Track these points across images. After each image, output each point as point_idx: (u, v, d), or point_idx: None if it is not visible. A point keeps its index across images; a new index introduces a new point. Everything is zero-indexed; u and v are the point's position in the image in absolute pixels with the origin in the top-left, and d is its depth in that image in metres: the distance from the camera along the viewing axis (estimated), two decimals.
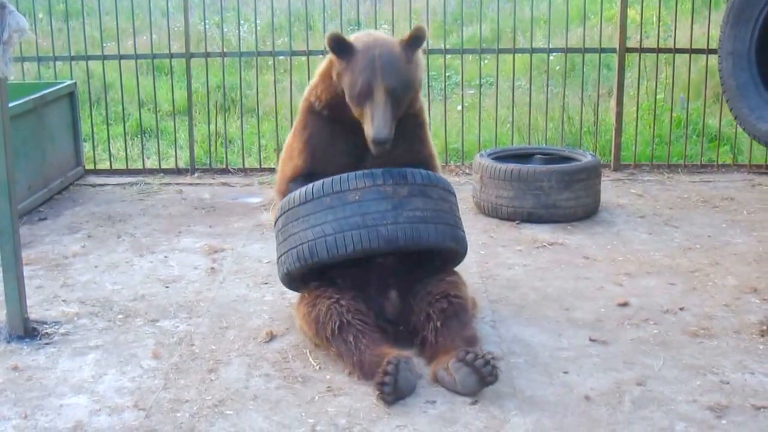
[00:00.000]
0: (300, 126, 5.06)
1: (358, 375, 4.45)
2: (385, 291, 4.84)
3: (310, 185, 4.70)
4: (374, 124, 4.55)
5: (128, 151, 9.62)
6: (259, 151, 9.40)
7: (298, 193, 4.73)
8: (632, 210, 7.57)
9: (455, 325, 4.63)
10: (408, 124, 4.89)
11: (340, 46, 4.68)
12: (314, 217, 4.63)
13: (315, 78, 5.04)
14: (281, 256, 4.87)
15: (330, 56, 4.79)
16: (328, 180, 4.65)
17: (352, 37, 4.80)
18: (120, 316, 5.39)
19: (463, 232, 4.95)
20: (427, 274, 4.86)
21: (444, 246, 4.76)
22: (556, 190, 7.09)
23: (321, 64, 5.03)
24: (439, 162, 5.30)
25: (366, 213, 4.55)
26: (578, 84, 9.87)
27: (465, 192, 7.73)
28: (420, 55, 4.86)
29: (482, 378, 4.23)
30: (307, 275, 4.81)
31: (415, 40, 4.73)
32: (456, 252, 4.92)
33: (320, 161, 4.94)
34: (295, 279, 4.89)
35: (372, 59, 4.61)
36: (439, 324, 4.60)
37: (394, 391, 4.18)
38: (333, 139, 4.93)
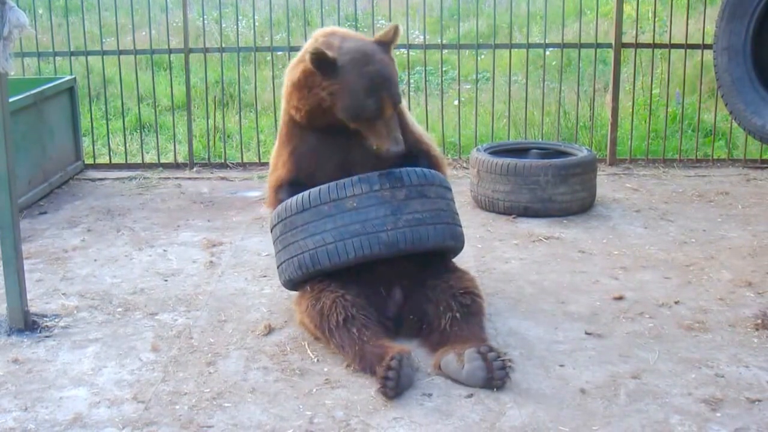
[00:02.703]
0: (284, 138, 5.06)
1: (358, 365, 4.47)
2: (389, 289, 4.87)
3: (307, 193, 4.71)
4: (392, 138, 4.60)
5: (127, 145, 9.65)
6: (258, 145, 9.42)
7: (294, 201, 4.75)
8: (628, 204, 7.60)
9: (475, 322, 4.68)
10: None
11: (324, 64, 4.62)
12: (313, 225, 4.66)
13: (287, 87, 4.94)
14: (282, 264, 4.90)
15: (304, 66, 4.71)
16: (324, 187, 4.67)
17: (330, 49, 4.67)
18: (119, 310, 5.42)
19: (461, 226, 5.00)
20: (431, 273, 4.90)
21: (443, 245, 4.83)
22: (553, 185, 7.12)
23: (292, 72, 4.88)
24: (429, 139, 5.27)
25: (365, 220, 4.59)
26: (574, 79, 9.90)
27: (462, 186, 7.76)
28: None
29: (491, 378, 4.28)
30: (311, 279, 4.84)
31: (394, 39, 4.78)
32: (454, 249, 5.00)
33: (306, 170, 4.96)
34: (297, 285, 4.92)
35: (371, 77, 4.59)
36: (458, 316, 4.63)
37: (396, 386, 4.20)
38: (318, 147, 4.92)
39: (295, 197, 4.76)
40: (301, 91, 4.79)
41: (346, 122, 4.71)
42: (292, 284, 4.95)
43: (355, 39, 4.81)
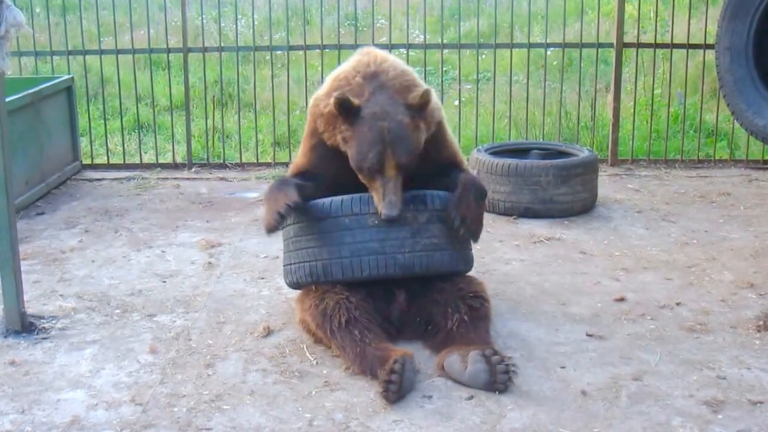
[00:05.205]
0: (309, 132, 4.99)
1: (359, 367, 4.44)
2: (393, 293, 4.84)
3: (328, 201, 4.68)
4: (386, 201, 4.51)
5: (125, 145, 9.60)
6: (257, 146, 9.40)
7: (314, 206, 4.72)
8: (629, 205, 7.58)
9: (481, 326, 4.69)
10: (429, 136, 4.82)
11: (345, 110, 4.56)
12: (330, 236, 4.65)
13: (315, 114, 4.82)
14: (291, 264, 4.88)
15: (330, 108, 4.62)
16: (347, 199, 4.65)
17: (360, 95, 4.61)
18: (117, 311, 5.39)
19: (471, 250, 5.02)
20: (439, 276, 4.85)
21: (455, 270, 4.85)
22: (554, 185, 7.09)
23: (323, 100, 4.75)
24: (462, 155, 5.20)
25: (385, 239, 4.60)
26: (576, 79, 9.88)
27: None
28: (433, 101, 4.71)
29: (494, 381, 4.26)
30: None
31: (423, 106, 4.63)
32: (464, 272, 5.00)
33: (324, 166, 4.89)
34: (303, 288, 4.91)
35: (381, 133, 4.50)
36: (467, 318, 4.63)
37: (399, 390, 4.18)
38: (337, 155, 4.79)
39: (314, 203, 4.72)
40: (327, 125, 4.75)
41: (357, 173, 4.67)
42: (298, 286, 4.95)
43: (392, 91, 4.66)
